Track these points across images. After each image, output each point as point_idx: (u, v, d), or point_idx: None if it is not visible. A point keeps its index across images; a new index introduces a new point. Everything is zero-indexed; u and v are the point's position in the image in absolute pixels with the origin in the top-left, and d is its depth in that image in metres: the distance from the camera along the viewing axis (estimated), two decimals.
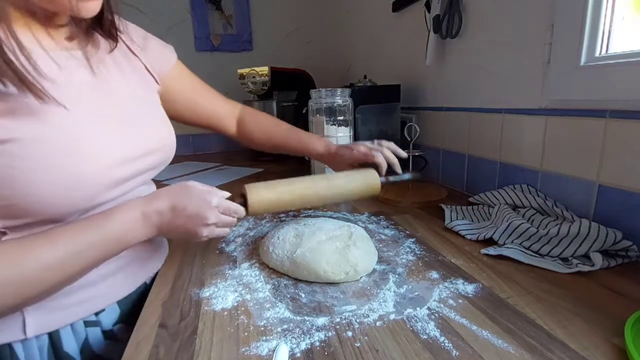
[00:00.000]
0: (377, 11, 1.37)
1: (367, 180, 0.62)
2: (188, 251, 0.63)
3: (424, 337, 0.39)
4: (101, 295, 0.51)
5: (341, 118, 0.90)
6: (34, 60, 0.39)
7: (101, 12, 0.50)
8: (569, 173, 0.66)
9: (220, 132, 0.78)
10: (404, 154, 0.68)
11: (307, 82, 1.56)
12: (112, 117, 0.48)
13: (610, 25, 0.59)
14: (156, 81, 0.62)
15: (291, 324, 0.42)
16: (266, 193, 0.54)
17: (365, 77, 1.13)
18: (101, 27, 0.52)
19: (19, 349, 0.45)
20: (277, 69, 1.43)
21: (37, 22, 0.44)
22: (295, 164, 1.35)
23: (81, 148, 0.43)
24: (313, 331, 0.40)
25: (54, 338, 0.47)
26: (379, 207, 0.83)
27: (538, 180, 0.73)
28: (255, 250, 0.62)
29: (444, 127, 1.01)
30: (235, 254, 0.62)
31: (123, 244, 0.45)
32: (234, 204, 0.51)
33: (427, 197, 0.85)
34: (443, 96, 1.02)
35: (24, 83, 0.38)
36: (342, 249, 0.53)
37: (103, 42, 0.53)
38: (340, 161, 0.70)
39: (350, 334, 0.40)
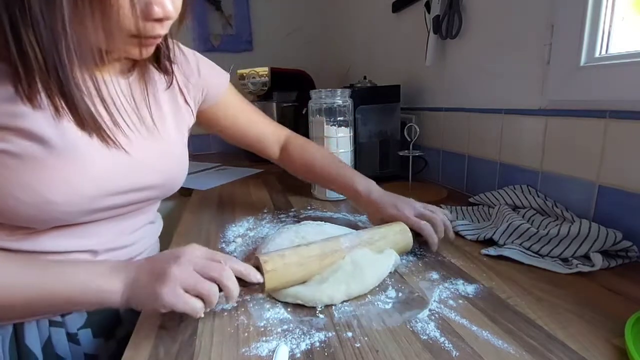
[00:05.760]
0: (377, 12, 1.37)
1: (402, 245, 0.56)
2: None
3: (424, 337, 0.39)
4: None
5: (341, 118, 0.90)
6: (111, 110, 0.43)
7: (157, 50, 0.50)
8: (569, 173, 0.66)
9: (262, 156, 0.78)
10: (452, 235, 0.59)
11: (307, 82, 1.56)
12: (120, 154, 0.46)
13: (610, 26, 0.59)
14: (193, 114, 0.62)
15: (291, 325, 0.42)
16: (282, 260, 0.46)
17: (365, 77, 1.13)
18: (157, 62, 0.52)
19: None
20: (277, 70, 1.43)
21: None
22: None
23: (65, 178, 0.42)
24: (313, 332, 0.40)
25: (17, 330, 0.48)
26: None
27: (538, 181, 0.73)
28: (255, 251, 0.62)
29: (444, 127, 1.01)
30: (235, 254, 0.61)
31: (88, 284, 0.40)
32: (244, 264, 0.43)
33: (427, 197, 0.85)
34: (443, 97, 1.02)
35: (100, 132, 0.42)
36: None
37: (156, 75, 0.54)
38: (375, 211, 0.62)
39: (350, 334, 0.40)
